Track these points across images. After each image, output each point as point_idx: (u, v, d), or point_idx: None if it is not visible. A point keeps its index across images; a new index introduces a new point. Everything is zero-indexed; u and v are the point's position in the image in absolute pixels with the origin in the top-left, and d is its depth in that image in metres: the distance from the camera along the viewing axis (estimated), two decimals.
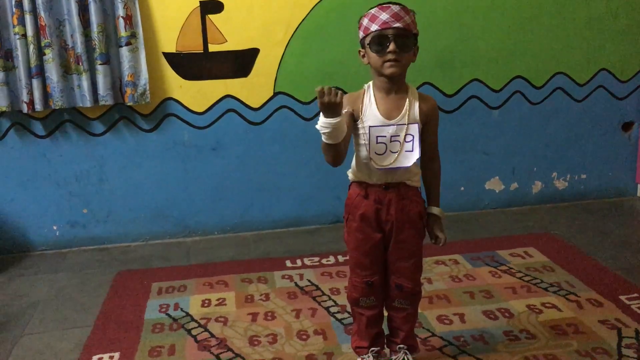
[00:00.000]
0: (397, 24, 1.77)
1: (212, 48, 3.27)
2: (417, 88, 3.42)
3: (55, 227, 3.37)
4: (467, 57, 3.49)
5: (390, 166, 1.86)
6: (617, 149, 3.78)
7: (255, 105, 3.38)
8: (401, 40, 1.79)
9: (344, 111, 1.76)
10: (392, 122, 1.85)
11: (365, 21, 1.83)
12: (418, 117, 1.87)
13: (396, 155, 1.85)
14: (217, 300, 2.68)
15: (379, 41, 1.80)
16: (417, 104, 1.87)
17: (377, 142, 1.85)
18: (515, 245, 3.16)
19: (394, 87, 1.86)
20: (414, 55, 1.85)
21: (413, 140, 1.85)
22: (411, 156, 1.86)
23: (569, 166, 3.76)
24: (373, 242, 1.94)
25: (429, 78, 3.47)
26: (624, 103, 3.71)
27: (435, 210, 2.00)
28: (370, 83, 1.91)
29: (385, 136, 1.85)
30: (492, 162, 3.67)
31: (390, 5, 1.80)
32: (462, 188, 3.67)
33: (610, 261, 2.93)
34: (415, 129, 1.85)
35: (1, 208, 3.29)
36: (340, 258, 3.07)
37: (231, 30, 3.26)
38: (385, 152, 1.86)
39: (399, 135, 1.85)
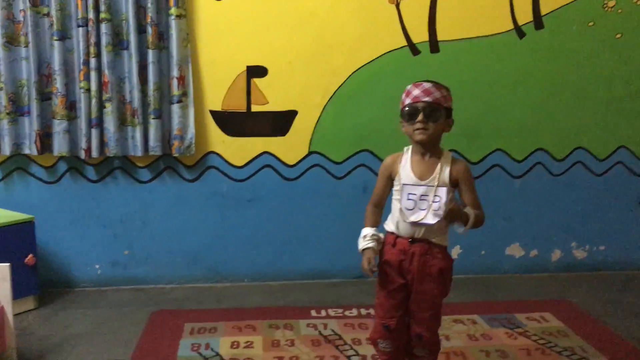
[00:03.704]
0: (427, 98, 2.06)
1: (255, 108, 3.55)
2: None
3: (97, 266, 3.60)
4: (491, 128, 3.71)
5: (416, 221, 2.07)
6: (635, 224, 3.90)
7: (291, 162, 3.63)
8: (429, 111, 2.05)
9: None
10: (422, 182, 2.08)
11: (403, 96, 2.14)
12: (447, 181, 2.08)
13: (424, 213, 2.07)
14: (246, 342, 2.85)
15: (410, 112, 2.08)
16: (448, 169, 2.10)
17: (407, 199, 2.09)
18: (532, 309, 3.27)
19: (428, 152, 2.12)
20: (448, 126, 2.12)
21: (440, 201, 2.05)
22: (436, 215, 2.05)
23: (588, 237, 3.89)
24: (395, 286, 2.15)
25: (455, 145, 3.69)
26: None
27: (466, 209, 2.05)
28: (410, 147, 2.18)
29: (415, 194, 2.08)
30: (512, 229, 3.82)
31: (424, 82, 2.09)
32: (483, 252, 3.82)
33: (624, 330, 3.03)
34: (443, 192, 2.05)
35: (50, 245, 3.54)
36: (363, 311, 3.23)
37: (273, 93, 3.55)
38: (414, 208, 2.08)
39: (428, 195, 2.07)
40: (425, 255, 2.11)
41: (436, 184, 2.07)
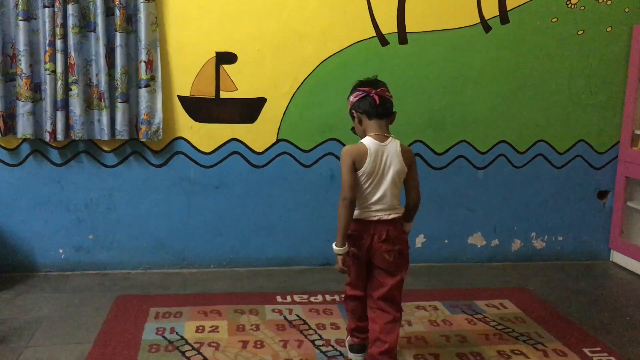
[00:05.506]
0: None
1: (224, 95, 3.55)
2: (409, 145, 3.72)
3: (61, 251, 3.57)
4: (457, 119, 3.78)
5: None
6: (593, 215, 4.04)
7: (259, 149, 3.64)
8: None
9: None
10: None
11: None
12: None
13: None
14: (211, 327, 2.88)
15: None
16: None
17: None
18: (491, 297, 3.37)
19: None
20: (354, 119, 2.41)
21: None
22: None
23: (547, 228, 4.01)
24: None
25: (420, 136, 3.76)
26: (600, 173, 3.99)
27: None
28: None
29: None
30: (475, 219, 3.92)
31: None
32: (446, 241, 3.91)
33: (579, 317, 3.14)
34: None
35: (12, 229, 3.49)
36: (328, 297, 3.28)
37: (242, 80, 3.55)
38: None
39: None
40: None
41: None
